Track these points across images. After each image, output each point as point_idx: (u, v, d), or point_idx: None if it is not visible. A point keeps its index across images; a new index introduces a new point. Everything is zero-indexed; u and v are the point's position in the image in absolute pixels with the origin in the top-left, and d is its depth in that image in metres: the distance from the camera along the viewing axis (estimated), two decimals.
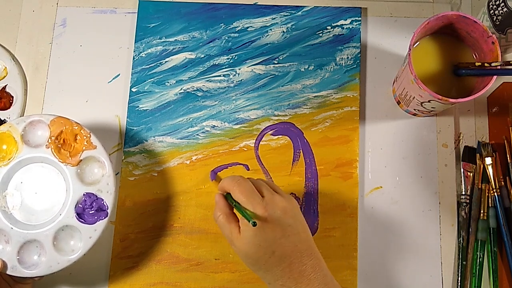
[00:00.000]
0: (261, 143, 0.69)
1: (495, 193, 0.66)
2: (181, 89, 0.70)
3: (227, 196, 0.55)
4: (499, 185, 0.66)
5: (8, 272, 0.58)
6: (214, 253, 0.66)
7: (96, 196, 0.60)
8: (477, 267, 0.65)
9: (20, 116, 0.68)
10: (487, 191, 0.67)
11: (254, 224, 0.49)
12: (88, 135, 0.61)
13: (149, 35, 0.72)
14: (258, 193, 0.53)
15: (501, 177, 0.67)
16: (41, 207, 0.61)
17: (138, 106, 0.70)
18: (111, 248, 0.66)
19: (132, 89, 0.70)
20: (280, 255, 0.51)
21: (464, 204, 0.67)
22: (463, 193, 0.67)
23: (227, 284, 0.65)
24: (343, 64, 0.71)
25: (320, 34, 0.72)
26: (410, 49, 0.59)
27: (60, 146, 0.61)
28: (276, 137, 0.69)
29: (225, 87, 0.71)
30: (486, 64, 0.59)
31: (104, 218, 0.59)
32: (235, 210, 0.55)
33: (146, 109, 0.70)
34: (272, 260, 0.51)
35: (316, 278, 0.51)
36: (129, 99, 0.70)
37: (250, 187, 0.53)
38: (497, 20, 0.66)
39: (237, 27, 0.72)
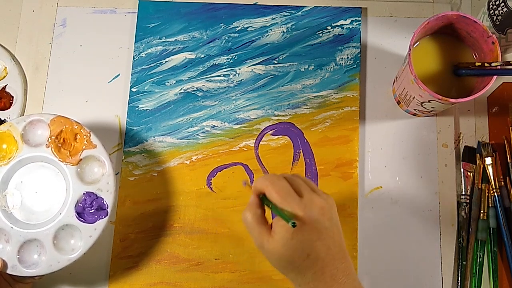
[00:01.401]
0: (261, 143, 0.69)
1: (495, 193, 0.66)
2: (181, 89, 0.70)
3: (263, 198, 0.52)
4: (499, 185, 0.66)
5: (8, 272, 0.58)
6: (214, 253, 0.66)
7: (96, 195, 0.60)
8: (477, 267, 0.65)
9: (20, 116, 0.68)
10: (487, 191, 0.67)
11: (294, 225, 0.46)
12: (88, 134, 0.61)
13: (149, 35, 0.72)
14: (295, 193, 0.50)
15: (501, 177, 0.67)
16: (41, 206, 0.61)
17: (138, 106, 0.70)
18: (111, 248, 0.66)
19: (132, 89, 0.70)
20: (314, 258, 0.49)
21: (464, 204, 0.67)
22: (463, 193, 0.67)
23: (227, 284, 0.65)
24: (343, 64, 0.71)
25: (320, 34, 0.72)
26: (410, 49, 0.59)
27: (60, 145, 0.61)
28: (276, 137, 0.69)
29: (225, 87, 0.71)
30: (486, 64, 0.59)
31: (104, 217, 0.59)
32: (269, 211, 0.52)
33: (146, 109, 0.70)
34: (306, 263, 0.49)
35: (346, 283, 0.49)
36: (129, 99, 0.70)
37: (287, 186, 0.50)
38: (497, 20, 0.66)
39: (237, 27, 0.72)
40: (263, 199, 0.52)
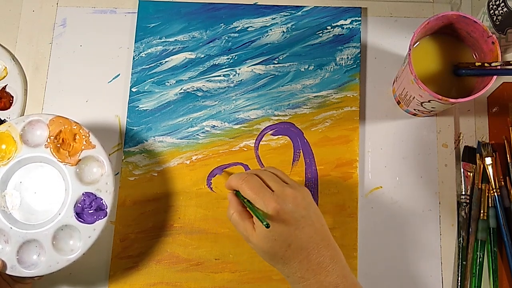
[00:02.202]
0: (261, 143, 0.69)
1: (495, 193, 0.66)
2: (181, 89, 0.70)
3: (238, 194, 0.55)
4: (499, 185, 0.66)
5: (7, 272, 0.58)
6: (214, 253, 0.66)
7: (95, 196, 0.60)
8: (477, 267, 0.65)
9: (20, 116, 0.68)
10: (487, 191, 0.67)
11: (267, 226, 0.48)
12: (87, 135, 0.61)
13: (149, 35, 0.72)
14: (267, 187, 0.52)
15: (501, 177, 0.67)
16: (40, 206, 0.61)
17: (138, 106, 0.70)
18: (111, 248, 0.66)
19: (132, 89, 0.70)
20: (296, 248, 0.50)
21: (464, 204, 0.67)
22: (463, 193, 0.67)
23: (227, 284, 0.65)
24: (343, 64, 0.71)
25: (320, 34, 0.72)
26: (410, 49, 0.59)
27: (59, 145, 0.61)
28: (276, 137, 0.69)
29: (225, 87, 0.71)
30: (486, 64, 0.59)
31: (103, 217, 0.59)
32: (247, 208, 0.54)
33: (146, 109, 0.70)
34: (289, 253, 0.50)
35: (335, 269, 0.50)
36: (129, 99, 0.70)
37: (258, 182, 0.53)
38: (497, 20, 0.66)
39: (237, 27, 0.72)
40: (238, 195, 0.54)
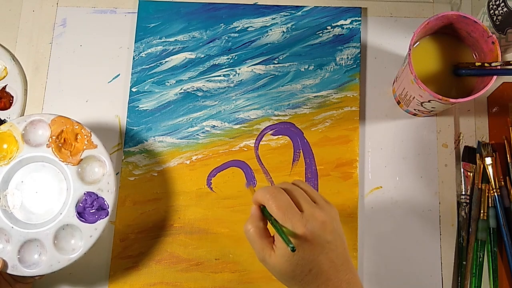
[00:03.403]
0: (261, 143, 0.69)
1: (495, 193, 0.66)
2: (181, 89, 0.70)
3: (264, 210, 0.51)
4: (499, 185, 0.66)
5: (8, 271, 0.58)
6: (214, 253, 0.66)
7: (97, 195, 0.60)
8: (477, 267, 0.65)
9: (20, 116, 0.68)
10: (487, 191, 0.67)
11: (293, 250, 0.46)
12: (89, 135, 0.61)
13: (149, 35, 0.72)
14: (295, 208, 0.49)
15: (501, 177, 0.67)
16: (42, 206, 0.61)
17: (138, 106, 0.70)
18: (111, 248, 0.66)
19: (132, 89, 0.70)
20: (316, 273, 0.48)
21: (464, 204, 0.67)
22: (463, 193, 0.67)
23: (227, 284, 0.65)
24: (343, 64, 0.71)
25: (320, 34, 0.72)
26: (410, 49, 0.59)
27: (60, 145, 0.61)
28: (276, 137, 0.69)
29: (225, 87, 0.71)
30: (486, 64, 0.59)
31: (105, 217, 0.59)
32: (269, 226, 0.51)
33: (146, 109, 0.70)
34: (309, 277, 0.48)
35: None
36: (129, 99, 0.70)
37: (288, 201, 0.49)
38: (497, 20, 0.66)
39: (237, 27, 0.72)
40: (264, 211, 0.51)
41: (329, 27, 0.72)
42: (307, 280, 0.49)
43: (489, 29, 0.62)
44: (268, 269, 0.50)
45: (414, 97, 0.63)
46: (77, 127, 0.61)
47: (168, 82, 0.71)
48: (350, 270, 0.50)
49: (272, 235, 0.50)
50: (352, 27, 0.72)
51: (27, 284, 0.61)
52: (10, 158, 0.60)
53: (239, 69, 0.71)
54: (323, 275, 0.48)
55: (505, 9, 0.64)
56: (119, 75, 0.71)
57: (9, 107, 0.70)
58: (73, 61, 0.72)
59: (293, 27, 0.72)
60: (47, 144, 0.61)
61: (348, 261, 0.50)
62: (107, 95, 0.71)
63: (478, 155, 0.68)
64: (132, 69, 0.71)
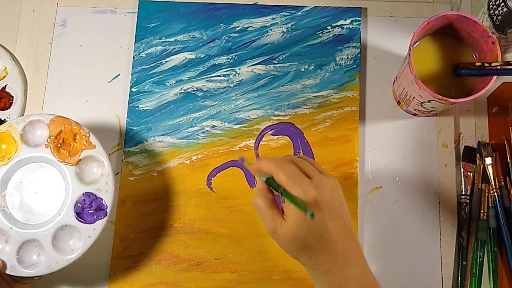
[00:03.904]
0: (261, 143, 0.69)
1: (495, 193, 0.66)
2: (181, 89, 0.70)
3: (270, 181, 0.51)
4: (499, 185, 0.66)
5: (7, 272, 0.58)
6: (214, 253, 0.66)
7: (95, 196, 0.60)
8: (477, 267, 0.65)
9: (20, 116, 0.68)
10: (487, 191, 0.67)
11: (312, 216, 0.46)
12: (87, 135, 0.61)
13: (149, 35, 0.72)
14: (304, 175, 0.50)
15: (501, 177, 0.67)
16: (41, 206, 0.61)
17: (138, 106, 0.70)
18: (111, 248, 0.66)
19: (132, 89, 0.70)
20: (326, 239, 0.49)
21: (464, 204, 0.66)
22: (463, 193, 0.67)
23: (227, 284, 0.65)
24: (343, 64, 0.71)
25: (320, 34, 0.72)
26: (410, 49, 0.59)
27: (59, 145, 0.61)
28: (276, 137, 0.69)
29: (225, 87, 0.71)
30: (486, 64, 0.59)
31: (103, 217, 0.59)
32: (281, 197, 0.51)
33: (146, 109, 0.70)
34: (319, 244, 0.49)
35: (358, 264, 0.49)
36: (129, 99, 0.70)
37: (295, 169, 0.50)
38: (497, 20, 0.66)
39: (237, 27, 0.72)
40: (270, 183, 0.51)
41: (329, 27, 0.72)
42: (318, 247, 0.49)
43: (489, 29, 0.62)
44: (279, 241, 0.51)
45: (414, 97, 0.63)
46: (75, 127, 0.61)
47: (168, 82, 0.71)
48: (355, 241, 0.51)
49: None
50: (352, 27, 0.72)
51: (27, 284, 0.61)
52: (9, 159, 0.60)
53: (239, 69, 0.71)
54: (332, 243, 0.49)
55: (505, 9, 0.64)
56: (119, 75, 0.71)
57: (9, 107, 0.70)
58: (73, 61, 0.72)
59: (293, 27, 0.72)
60: (45, 145, 0.61)
61: (353, 233, 0.51)
62: (107, 95, 0.71)
63: (478, 155, 0.68)
64: (132, 69, 0.71)
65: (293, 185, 0.49)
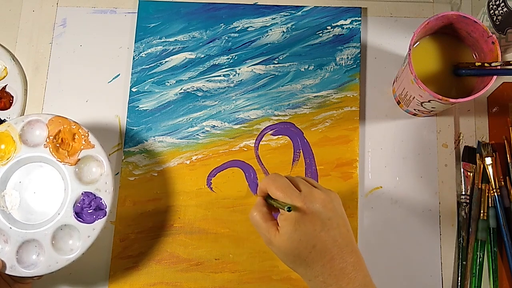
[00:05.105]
0: (261, 143, 0.69)
1: (495, 193, 0.66)
2: (181, 89, 0.70)
3: (266, 198, 0.54)
4: (499, 185, 0.66)
5: (7, 272, 0.58)
6: (214, 253, 0.66)
7: (95, 195, 0.60)
8: (477, 267, 0.65)
9: (20, 116, 0.68)
10: (487, 191, 0.67)
11: (289, 210, 0.48)
12: (86, 134, 0.61)
13: (149, 35, 0.72)
14: (294, 187, 0.52)
15: (501, 177, 0.67)
16: (40, 206, 0.61)
17: (138, 106, 0.70)
18: (111, 248, 0.66)
19: (132, 89, 0.70)
20: (320, 250, 0.49)
21: (464, 204, 0.66)
22: (463, 193, 0.67)
23: (227, 284, 0.65)
24: (343, 64, 0.71)
25: (320, 34, 0.72)
26: (410, 49, 0.59)
27: (58, 145, 0.61)
28: (276, 137, 0.69)
29: (225, 87, 0.71)
30: (486, 64, 0.59)
31: (103, 217, 0.59)
32: (274, 206, 0.53)
33: (146, 109, 0.70)
34: (313, 255, 0.49)
35: (356, 277, 0.49)
36: (129, 99, 0.70)
37: (286, 182, 0.52)
38: (497, 20, 0.66)
39: (237, 27, 0.72)
40: (266, 199, 0.54)
41: (329, 27, 0.72)
42: (311, 257, 0.49)
43: (489, 29, 0.62)
44: (275, 252, 0.52)
45: (414, 97, 0.63)
46: (74, 127, 0.61)
47: (168, 82, 0.71)
48: (355, 253, 0.51)
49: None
50: (352, 27, 0.72)
51: (26, 284, 0.61)
52: (7, 159, 0.60)
53: (239, 69, 0.71)
54: (327, 254, 0.49)
55: (505, 9, 0.64)
56: (119, 75, 0.71)
57: (9, 107, 0.70)
58: (73, 61, 0.72)
59: (293, 27, 0.72)
60: (44, 144, 0.60)
61: (353, 244, 0.51)
62: (107, 95, 0.71)
63: (478, 155, 0.68)
64: (132, 69, 0.71)
65: (282, 196, 0.51)
